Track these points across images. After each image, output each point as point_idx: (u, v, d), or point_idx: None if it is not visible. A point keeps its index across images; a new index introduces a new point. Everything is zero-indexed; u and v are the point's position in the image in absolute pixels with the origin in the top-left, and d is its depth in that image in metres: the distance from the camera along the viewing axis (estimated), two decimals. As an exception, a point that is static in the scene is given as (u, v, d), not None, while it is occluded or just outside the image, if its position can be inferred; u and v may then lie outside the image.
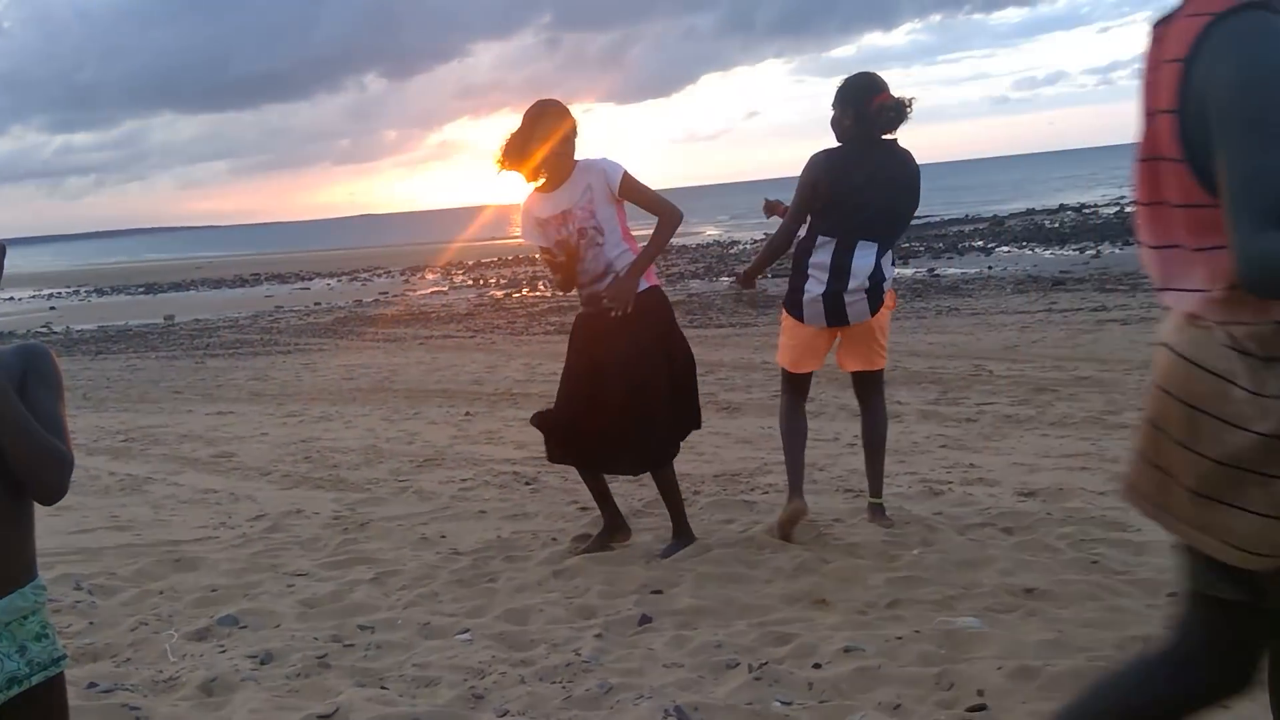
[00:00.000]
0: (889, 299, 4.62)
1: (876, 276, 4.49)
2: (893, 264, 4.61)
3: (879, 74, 4.58)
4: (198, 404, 10.72)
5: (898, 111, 4.41)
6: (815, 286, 4.51)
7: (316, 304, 26.28)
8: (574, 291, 4.50)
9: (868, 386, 4.74)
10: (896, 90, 4.45)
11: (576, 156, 4.38)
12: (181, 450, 7.90)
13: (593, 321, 4.43)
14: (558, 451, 4.54)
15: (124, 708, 3.17)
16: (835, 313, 4.52)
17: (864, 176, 4.42)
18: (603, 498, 4.62)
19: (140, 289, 38.13)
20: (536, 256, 4.59)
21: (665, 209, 4.43)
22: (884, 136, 4.47)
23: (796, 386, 4.78)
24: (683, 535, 4.50)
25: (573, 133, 4.35)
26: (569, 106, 4.39)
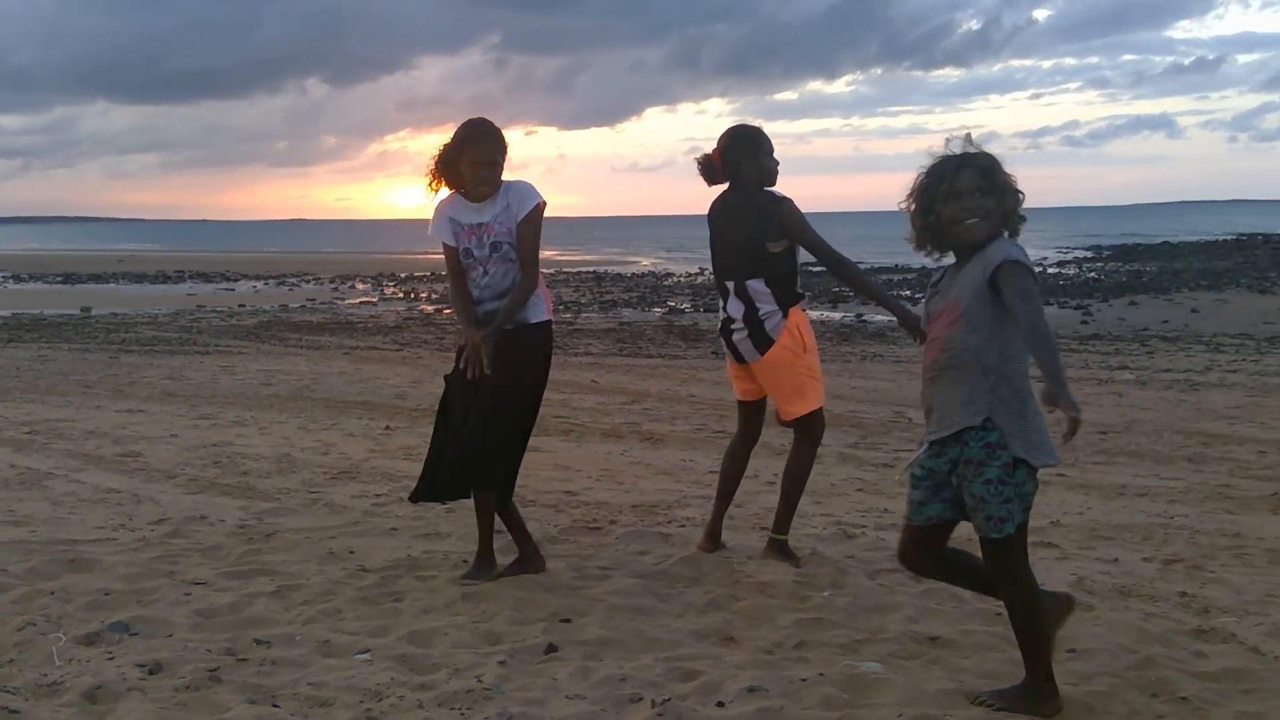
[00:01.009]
0: (785, 339, 4.63)
1: (749, 315, 4.66)
2: (772, 304, 4.63)
3: (761, 132, 4.74)
4: (107, 400, 10.42)
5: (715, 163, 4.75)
6: (719, 322, 4.85)
7: (240, 306, 25.83)
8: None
9: (795, 429, 4.79)
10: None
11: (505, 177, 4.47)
12: (86, 447, 7.66)
13: (499, 343, 4.36)
14: (431, 489, 4.53)
15: (2, 710, 3.04)
16: (731, 349, 4.78)
17: (712, 222, 4.82)
18: (518, 529, 4.58)
19: (59, 278, 37.12)
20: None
21: (531, 272, 4.39)
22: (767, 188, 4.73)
23: (740, 415, 4.96)
24: (530, 558, 4.55)
25: (504, 153, 4.42)
26: (509, 127, 4.55)
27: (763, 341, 4.64)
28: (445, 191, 4.51)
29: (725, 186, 4.78)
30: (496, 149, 4.37)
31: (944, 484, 3.23)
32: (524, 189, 4.42)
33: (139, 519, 5.47)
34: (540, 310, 4.46)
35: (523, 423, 4.45)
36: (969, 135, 3.20)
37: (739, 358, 4.75)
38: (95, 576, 4.42)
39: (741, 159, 4.68)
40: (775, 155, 4.76)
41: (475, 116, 4.48)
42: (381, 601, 4.16)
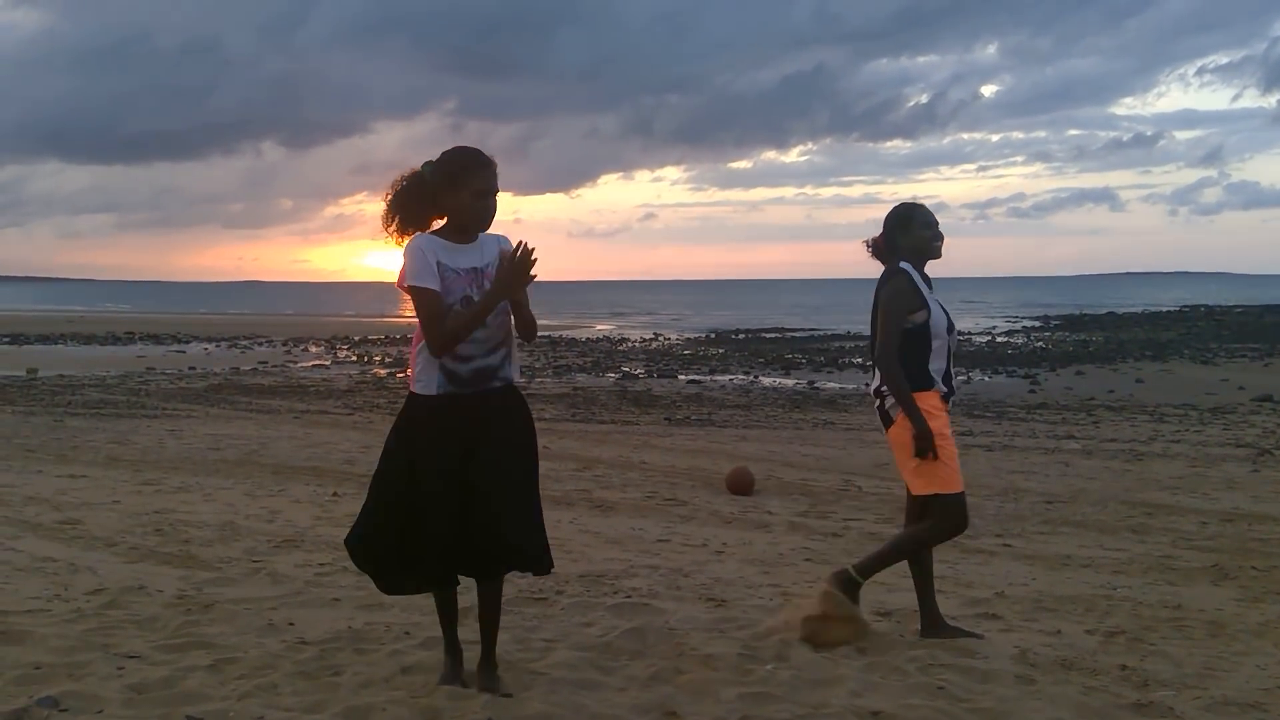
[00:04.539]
0: (901, 420, 4.60)
1: (877, 390, 4.77)
2: (887, 381, 4.65)
3: (914, 205, 4.85)
4: (50, 465, 10.22)
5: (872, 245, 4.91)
6: None
7: (191, 368, 25.56)
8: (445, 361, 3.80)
9: (921, 509, 4.73)
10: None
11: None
12: (25, 513, 7.50)
13: (472, 407, 3.79)
14: (427, 574, 3.87)
15: (-82, 794, 2.95)
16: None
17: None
18: (451, 622, 4.05)
19: (5, 339, 36.60)
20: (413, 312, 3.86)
21: (534, 322, 3.95)
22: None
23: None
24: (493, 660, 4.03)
25: (494, 178, 3.83)
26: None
27: (883, 416, 4.74)
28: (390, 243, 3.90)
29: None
30: (495, 177, 3.83)
31: None
32: (508, 244, 3.85)
33: (75, 589, 5.34)
34: (518, 368, 3.97)
35: (535, 483, 3.99)
36: None
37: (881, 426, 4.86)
38: (26, 649, 4.31)
39: (897, 234, 4.81)
40: (935, 229, 4.80)
41: (459, 145, 3.86)
42: (320, 675, 4.08)
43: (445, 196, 3.78)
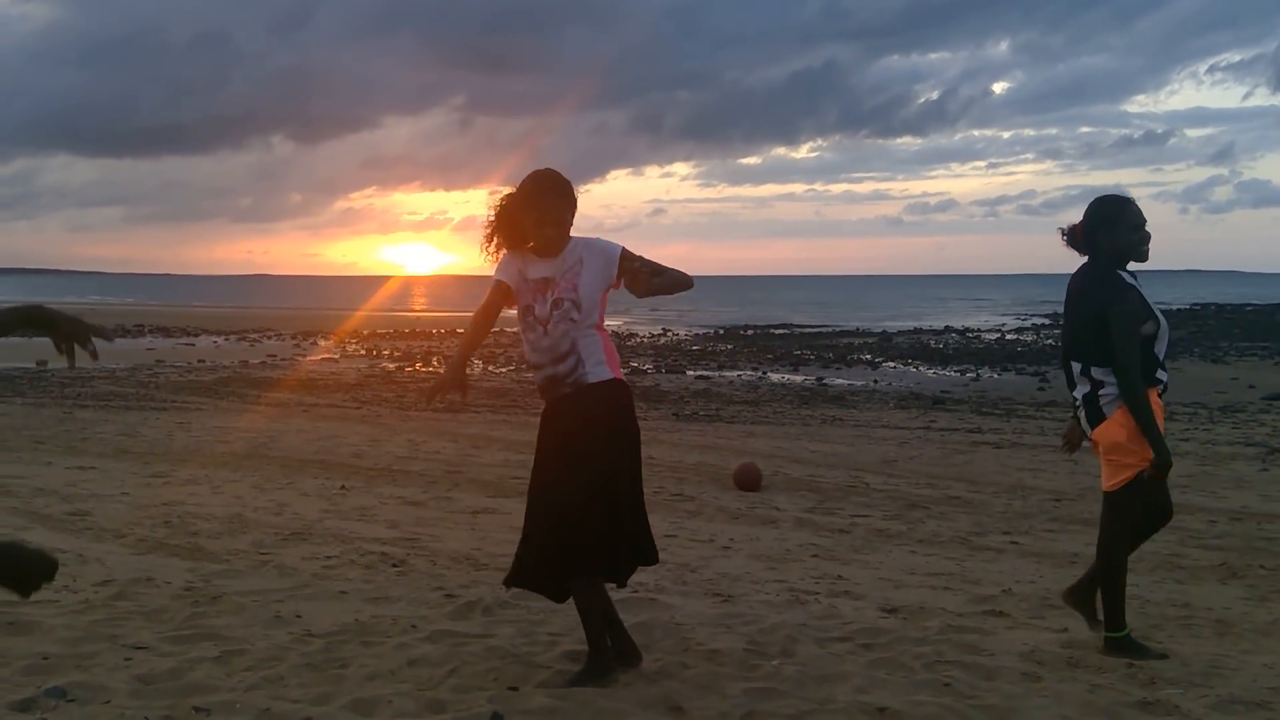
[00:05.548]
0: (1120, 416, 4.37)
1: (1087, 394, 4.47)
2: (1108, 382, 4.40)
3: (1124, 203, 4.49)
4: (59, 456, 10.26)
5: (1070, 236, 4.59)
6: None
7: (200, 361, 25.63)
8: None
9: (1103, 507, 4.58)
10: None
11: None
12: (34, 505, 7.53)
13: (563, 409, 3.98)
14: (558, 575, 4.02)
15: (-74, 782, 2.96)
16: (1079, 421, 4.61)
17: (1066, 295, 4.62)
18: (611, 620, 4.18)
19: (14, 330, 36.67)
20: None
21: (670, 271, 4.05)
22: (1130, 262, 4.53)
23: None
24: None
25: (573, 210, 4.03)
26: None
27: (1093, 414, 4.47)
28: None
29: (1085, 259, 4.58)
30: (565, 206, 3.98)
31: None
32: (600, 244, 4.02)
33: (83, 580, 5.36)
34: (604, 370, 3.99)
35: (639, 483, 4.04)
36: None
37: (1083, 428, 4.58)
38: (34, 639, 4.33)
39: (1098, 232, 4.45)
40: (1144, 230, 4.45)
41: (543, 168, 4.05)
42: (326, 668, 4.09)
43: (521, 212, 3.98)
